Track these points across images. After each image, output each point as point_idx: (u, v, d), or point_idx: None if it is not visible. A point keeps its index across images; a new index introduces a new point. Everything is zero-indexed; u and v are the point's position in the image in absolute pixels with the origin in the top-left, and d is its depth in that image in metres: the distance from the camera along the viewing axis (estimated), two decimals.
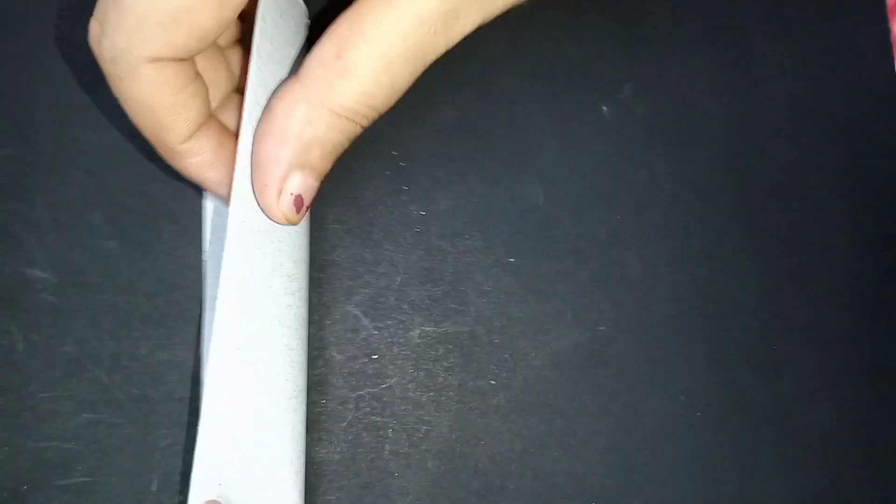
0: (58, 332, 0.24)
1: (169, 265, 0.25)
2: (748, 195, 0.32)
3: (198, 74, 0.21)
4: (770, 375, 0.31)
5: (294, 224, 0.23)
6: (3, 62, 0.25)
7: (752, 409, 0.31)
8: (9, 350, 0.24)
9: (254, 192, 0.22)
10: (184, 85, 0.20)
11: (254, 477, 0.24)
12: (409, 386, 0.27)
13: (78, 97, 0.25)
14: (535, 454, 0.28)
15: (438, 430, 0.27)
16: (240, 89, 0.25)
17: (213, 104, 0.23)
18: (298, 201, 0.22)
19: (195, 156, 0.21)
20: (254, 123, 0.22)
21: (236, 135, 0.23)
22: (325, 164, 0.22)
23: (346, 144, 0.22)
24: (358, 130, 0.21)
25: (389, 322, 0.27)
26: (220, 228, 0.26)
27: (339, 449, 0.26)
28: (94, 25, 0.19)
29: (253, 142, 0.22)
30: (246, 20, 0.24)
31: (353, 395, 0.27)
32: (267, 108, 0.22)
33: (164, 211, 0.26)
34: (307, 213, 0.25)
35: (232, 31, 0.24)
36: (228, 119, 0.24)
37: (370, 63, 0.19)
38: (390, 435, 0.27)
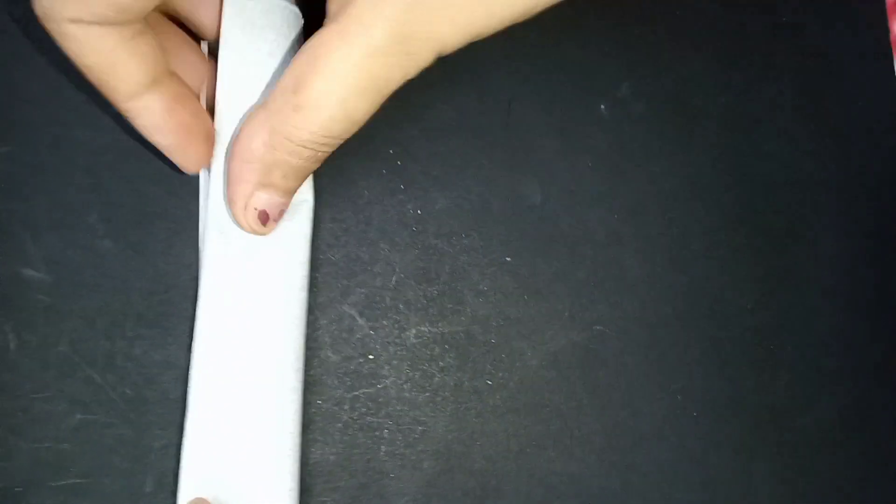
0: (52, 331, 0.24)
1: (164, 265, 0.25)
2: (747, 195, 0.32)
3: (140, 35, 0.21)
4: (768, 375, 0.31)
5: (262, 234, 0.24)
6: None
7: (750, 409, 0.31)
8: (3, 350, 0.24)
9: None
10: (116, 44, 0.20)
11: (247, 478, 0.24)
12: (405, 386, 0.27)
13: (73, 97, 0.25)
14: (532, 454, 0.28)
15: (434, 430, 0.27)
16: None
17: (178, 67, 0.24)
18: (263, 216, 0.23)
19: (142, 116, 0.22)
20: (224, 140, 0.24)
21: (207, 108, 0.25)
22: (288, 184, 0.23)
23: (310, 167, 0.23)
24: (320, 156, 0.22)
25: (385, 322, 0.27)
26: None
27: (334, 450, 0.26)
28: None
29: (225, 158, 0.24)
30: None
31: (349, 396, 0.26)
32: (238, 128, 0.24)
33: (159, 211, 0.26)
34: (311, 216, 0.26)
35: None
36: (191, 81, 0.24)
37: (324, 98, 0.20)
38: (386, 435, 0.27)
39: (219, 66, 0.24)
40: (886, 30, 0.36)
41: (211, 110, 0.25)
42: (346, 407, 0.26)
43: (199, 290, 0.24)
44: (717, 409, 0.30)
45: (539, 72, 0.30)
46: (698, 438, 0.30)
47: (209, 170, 0.25)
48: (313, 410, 0.26)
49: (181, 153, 0.23)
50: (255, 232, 0.24)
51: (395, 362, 0.27)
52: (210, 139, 0.24)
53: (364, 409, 0.27)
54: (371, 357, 0.27)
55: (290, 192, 0.24)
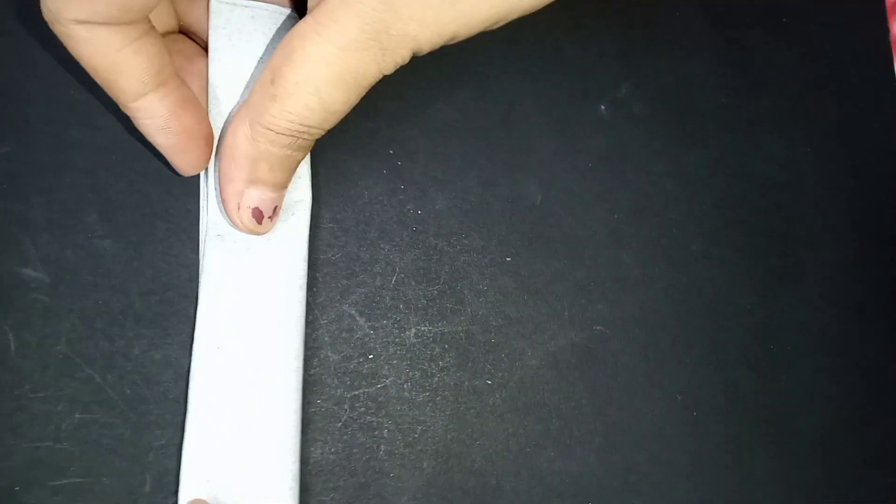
0: (51, 331, 0.24)
1: (163, 264, 0.25)
2: (746, 195, 0.32)
3: (146, 36, 0.21)
4: (767, 375, 0.31)
5: (259, 234, 0.24)
6: None
7: (750, 409, 0.31)
8: (2, 349, 0.24)
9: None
10: (122, 45, 0.21)
11: (247, 477, 0.24)
12: (405, 386, 0.27)
13: (73, 96, 0.25)
14: (531, 454, 0.28)
15: (434, 430, 0.27)
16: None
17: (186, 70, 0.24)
18: (257, 213, 0.24)
19: (146, 117, 0.22)
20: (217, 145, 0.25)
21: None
22: (276, 177, 0.23)
23: (296, 157, 0.23)
24: (303, 144, 0.23)
25: (385, 322, 0.27)
26: None
27: (334, 449, 0.26)
28: None
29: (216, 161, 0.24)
30: None
31: (349, 395, 0.26)
32: (223, 128, 0.24)
33: (158, 210, 0.26)
34: (309, 215, 0.26)
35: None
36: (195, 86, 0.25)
37: (299, 88, 0.21)
38: (386, 435, 0.27)
39: (209, 74, 0.24)
40: (886, 30, 0.36)
41: None
42: (346, 406, 0.26)
43: (199, 291, 0.25)
44: (716, 409, 0.30)
45: (539, 72, 0.30)
46: (698, 438, 0.30)
47: (208, 173, 0.25)
48: (313, 410, 0.26)
49: (181, 155, 0.24)
50: (251, 232, 0.24)
51: (394, 362, 0.27)
52: (210, 143, 0.24)
53: (364, 409, 0.27)
54: (371, 357, 0.27)
55: (280, 186, 0.24)
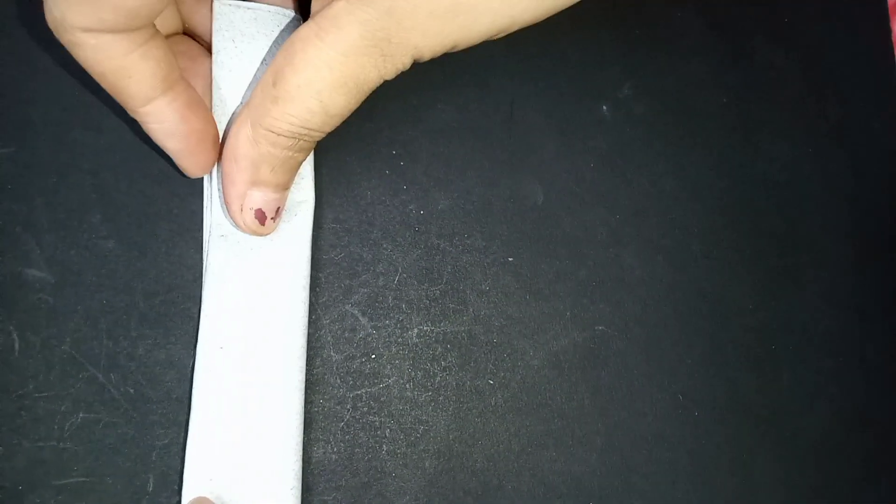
0: (55, 331, 0.24)
1: (167, 265, 0.25)
2: (747, 195, 0.32)
3: (151, 40, 0.21)
4: (768, 375, 0.31)
5: (263, 235, 0.25)
6: (1, 62, 0.25)
7: (751, 409, 0.31)
8: (6, 350, 0.24)
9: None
10: (128, 50, 0.21)
11: (249, 476, 0.24)
12: (407, 386, 0.27)
13: (76, 97, 0.25)
14: (533, 454, 0.28)
15: (436, 429, 0.27)
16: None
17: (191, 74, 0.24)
18: (260, 214, 0.24)
19: (156, 122, 0.22)
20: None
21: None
22: (277, 178, 0.23)
23: (297, 158, 0.23)
24: (305, 145, 0.23)
25: (388, 321, 0.27)
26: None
27: (336, 449, 0.26)
28: None
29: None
30: None
31: (351, 395, 0.27)
32: (225, 131, 0.24)
33: (162, 211, 0.26)
34: (312, 215, 0.26)
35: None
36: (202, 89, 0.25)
37: (300, 91, 0.21)
38: (388, 435, 0.27)
39: (213, 76, 0.24)
40: (887, 30, 0.36)
41: None
42: (349, 406, 0.26)
43: (203, 291, 0.25)
44: (717, 409, 0.30)
45: (540, 72, 0.30)
46: (698, 438, 0.30)
47: (211, 174, 0.25)
48: (315, 409, 0.26)
49: (190, 158, 0.24)
50: (254, 233, 0.24)
51: (397, 362, 0.27)
52: (217, 145, 0.24)
53: (366, 409, 0.27)
54: (373, 356, 0.27)
55: (283, 187, 0.24)
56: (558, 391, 0.28)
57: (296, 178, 0.26)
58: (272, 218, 0.24)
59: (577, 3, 0.22)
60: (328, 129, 0.22)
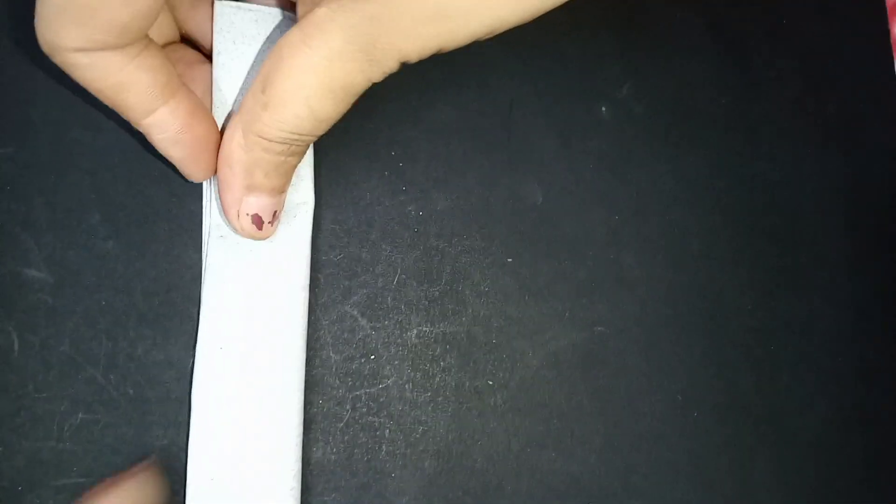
0: (54, 331, 0.24)
1: (166, 265, 0.25)
2: (747, 195, 0.32)
3: (146, 50, 0.21)
4: (768, 376, 0.31)
5: (261, 239, 0.25)
6: (1, 62, 0.25)
7: (750, 410, 0.31)
8: (5, 350, 0.24)
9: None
10: (124, 64, 0.21)
11: (248, 477, 0.24)
12: (406, 386, 0.27)
13: (75, 97, 0.25)
14: (532, 454, 0.28)
15: (435, 430, 0.27)
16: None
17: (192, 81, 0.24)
18: (257, 219, 0.24)
19: (160, 132, 0.23)
20: None
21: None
22: (272, 183, 0.23)
23: (290, 162, 0.23)
24: (297, 150, 0.23)
25: (387, 322, 0.27)
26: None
27: (335, 449, 0.26)
28: (35, 20, 0.20)
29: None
30: None
31: (350, 396, 0.27)
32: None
33: (161, 211, 0.26)
34: (311, 217, 0.26)
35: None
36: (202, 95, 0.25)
37: (289, 96, 0.21)
38: (387, 435, 0.27)
39: (213, 78, 0.24)
40: (886, 30, 0.36)
41: None
42: (348, 407, 0.26)
43: (202, 292, 0.25)
44: (717, 409, 0.30)
45: (540, 73, 0.30)
46: (698, 438, 0.30)
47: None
48: (315, 410, 0.26)
49: (194, 165, 0.24)
50: (252, 237, 0.24)
51: (396, 362, 0.27)
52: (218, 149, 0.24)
53: (365, 409, 0.27)
54: (372, 357, 0.27)
55: (278, 191, 0.24)
56: (557, 391, 0.28)
57: (295, 179, 0.26)
58: (269, 222, 0.24)
59: (568, 1, 0.22)
60: (319, 133, 0.22)
